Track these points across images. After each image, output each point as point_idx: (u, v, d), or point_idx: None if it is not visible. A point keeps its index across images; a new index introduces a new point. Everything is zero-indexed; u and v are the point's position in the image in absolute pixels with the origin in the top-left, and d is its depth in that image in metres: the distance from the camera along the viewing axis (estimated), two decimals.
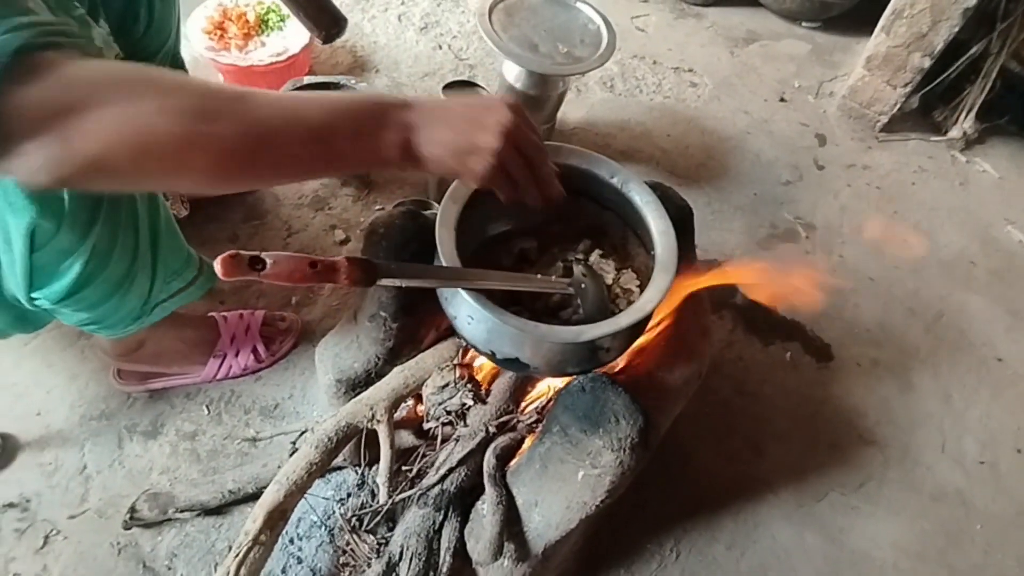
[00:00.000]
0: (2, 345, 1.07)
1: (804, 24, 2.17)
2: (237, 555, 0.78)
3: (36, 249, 0.61)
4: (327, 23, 1.03)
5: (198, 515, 0.96)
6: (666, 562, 1.03)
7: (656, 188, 0.87)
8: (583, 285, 0.76)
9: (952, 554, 1.11)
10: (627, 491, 1.06)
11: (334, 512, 0.97)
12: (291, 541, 0.96)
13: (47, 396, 1.05)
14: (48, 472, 0.99)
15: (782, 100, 1.91)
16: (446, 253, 0.70)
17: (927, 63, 1.65)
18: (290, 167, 0.55)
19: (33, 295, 0.66)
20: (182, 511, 0.95)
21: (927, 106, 1.89)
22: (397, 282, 0.65)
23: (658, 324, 0.90)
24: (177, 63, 1.07)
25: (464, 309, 0.76)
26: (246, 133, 0.49)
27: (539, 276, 0.81)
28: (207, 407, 1.08)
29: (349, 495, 0.99)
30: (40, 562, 0.91)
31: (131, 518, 0.93)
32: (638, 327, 0.78)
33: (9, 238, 0.60)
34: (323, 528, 0.97)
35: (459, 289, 0.71)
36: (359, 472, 1.01)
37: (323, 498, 0.98)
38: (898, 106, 1.77)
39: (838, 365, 1.32)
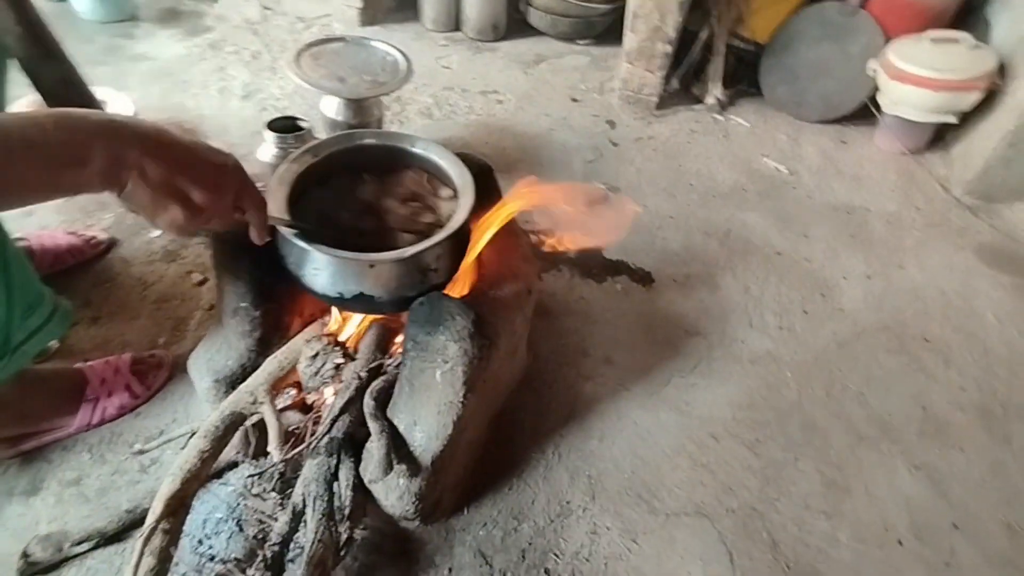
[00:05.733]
0: None
1: (579, 42, 2.59)
2: (142, 542, 0.83)
3: None
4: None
5: (98, 546, 0.97)
6: (551, 463, 1.17)
7: (459, 154, 1.07)
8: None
9: (773, 399, 1.36)
10: (505, 415, 1.21)
11: (238, 504, 1.02)
12: (200, 542, 0.99)
13: None
14: None
15: (574, 100, 2.25)
16: (278, 205, 0.84)
17: (669, 48, 2.07)
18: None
19: None
20: (79, 543, 0.95)
21: (686, 84, 2.32)
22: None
23: (485, 257, 1.08)
24: None
25: (307, 262, 0.89)
26: None
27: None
28: (88, 452, 1.09)
29: (246, 486, 1.04)
30: None
31: (26, 564, 0.92)
32: (455, 246, 0.95)
33: None
34: (229, 521, 1.01)
35: (298, 243, 0.85)
36: (252, 463, 1.07)
37: (224, 496, 1.03)
38: (661, 87, 2.18)
39: (659, 286, 1.58)
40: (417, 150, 1.04)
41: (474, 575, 1.01)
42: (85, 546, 0.96)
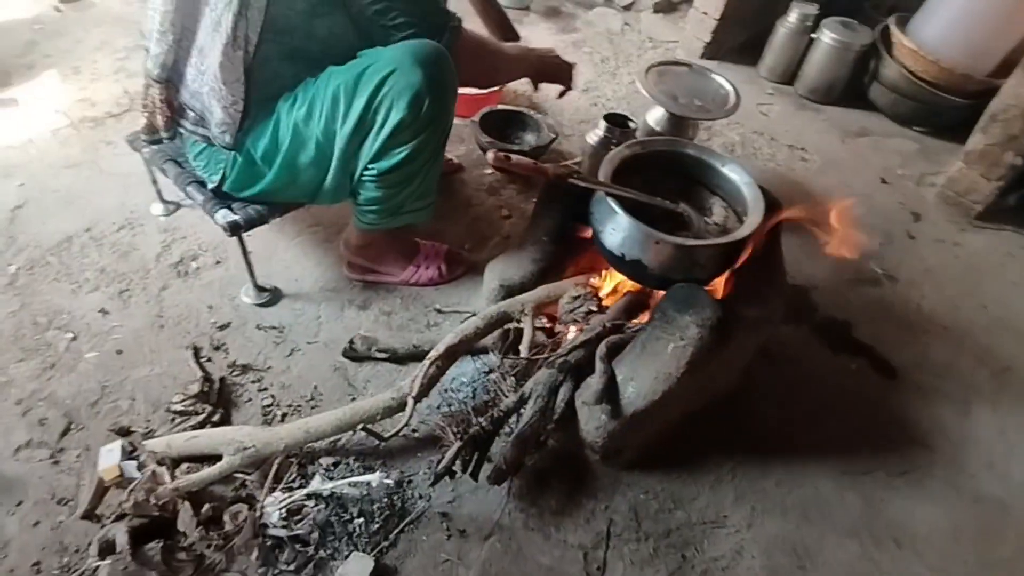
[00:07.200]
0: (280, 238, 1.58)
1: (915, 128, 2.46)
2: (423, 367, 1.17)
3: (395, 133, 1.09)
4: (507, 35, 1.60)
5: (388, 360, 1.37)
6: (723, 478, 1.28)
7: (759, 185, 1.22)
8: (688, 214, 1.13)
9: (982, 544, 1.25)
10: (699, 419, 1.34)
11: (481, 376, 1.34)
12: (446, 391, 1.33)
13: (303, 270, 1.54)
14: (297, 314, 1.45)
15: (884, 182, 2.18)
16: (605, 174, 1.10)
17: (1019, 161, 1.89)
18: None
19: (371, 166, 1.14)
20: (381, 351, 1.36)
21: (1023, 204, 2.08)
22: (580, 183, 1.05)
23: (748, 276, 1.21)
24: None
25: (610, 221, 1.14)
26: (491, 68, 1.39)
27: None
28: (401, 298, 1.51)
29: (491, 369, 1.35)
30: (287, 363, 1.35)
31: (349, 348, 1.36)
32: (728, 255, 1.11)
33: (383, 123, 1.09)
34: (469, 387, 1.32)
35: (611, 204, 1.10)
36: (500, 357, 1.37)
37: (473, 368, 1.36)
38: (992, 198, 1.99)
39: (900, 384, 1.53)
40: (726, 169, 1.22)
41: (623, 522, 1.19)
42: (382, 355, 1.36)
